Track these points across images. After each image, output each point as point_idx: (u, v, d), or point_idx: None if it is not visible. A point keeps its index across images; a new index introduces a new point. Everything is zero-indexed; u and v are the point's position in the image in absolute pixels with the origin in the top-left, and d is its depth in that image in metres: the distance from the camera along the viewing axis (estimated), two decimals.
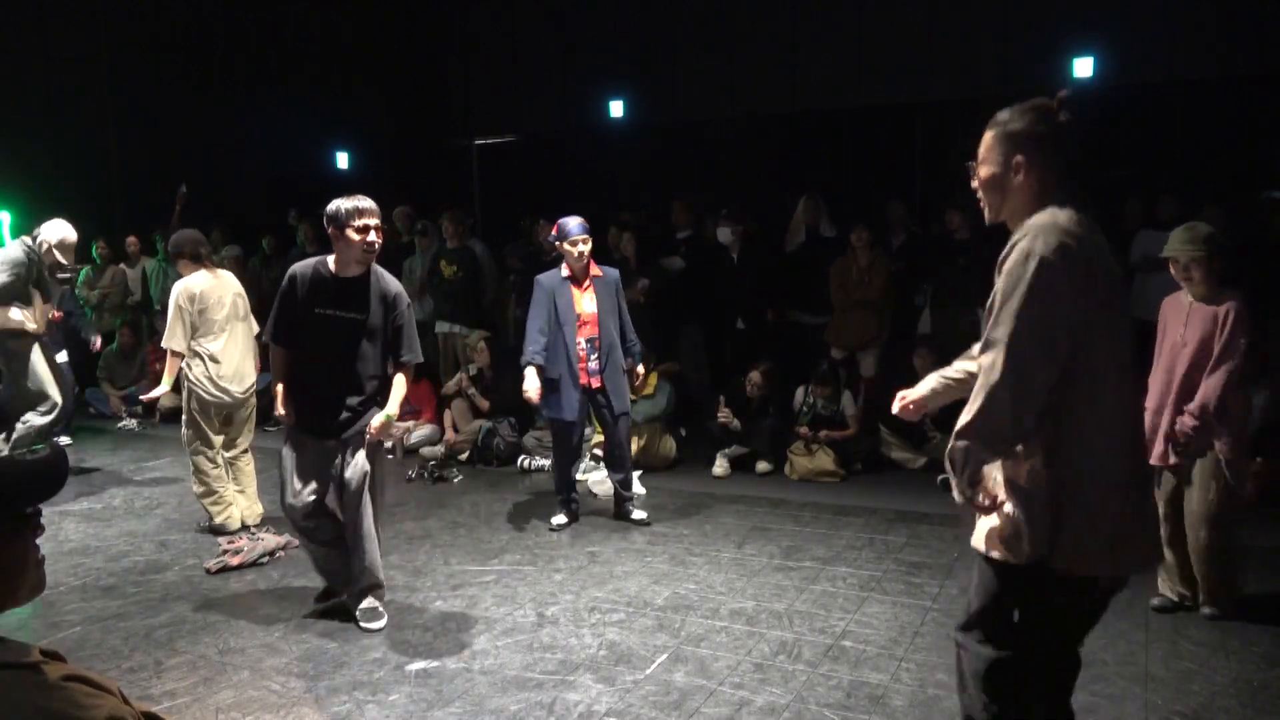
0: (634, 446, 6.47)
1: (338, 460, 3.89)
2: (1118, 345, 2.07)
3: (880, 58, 9.44)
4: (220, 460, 5.23)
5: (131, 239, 9.58)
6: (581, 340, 5.13)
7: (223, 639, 3.81)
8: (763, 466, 6.37)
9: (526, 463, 6.65)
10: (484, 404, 7.07)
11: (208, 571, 4.59)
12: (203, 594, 4.33)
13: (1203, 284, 3.71)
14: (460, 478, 6.43)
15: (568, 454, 5.34)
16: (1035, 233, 2.02)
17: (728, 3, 10.29)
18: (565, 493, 5.36)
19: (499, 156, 11.98)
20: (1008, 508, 2.09)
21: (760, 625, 3.86)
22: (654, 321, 7.08)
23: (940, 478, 6.00)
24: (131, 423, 8.46)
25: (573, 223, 5.11)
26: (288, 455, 3.93)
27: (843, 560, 4.63)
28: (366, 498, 3.90)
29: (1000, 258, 2.09)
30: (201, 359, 5.12)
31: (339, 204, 3.77)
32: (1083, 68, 8.48)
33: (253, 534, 4.99)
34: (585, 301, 5.16)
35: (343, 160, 12.15)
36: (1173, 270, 3.77)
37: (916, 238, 7.61)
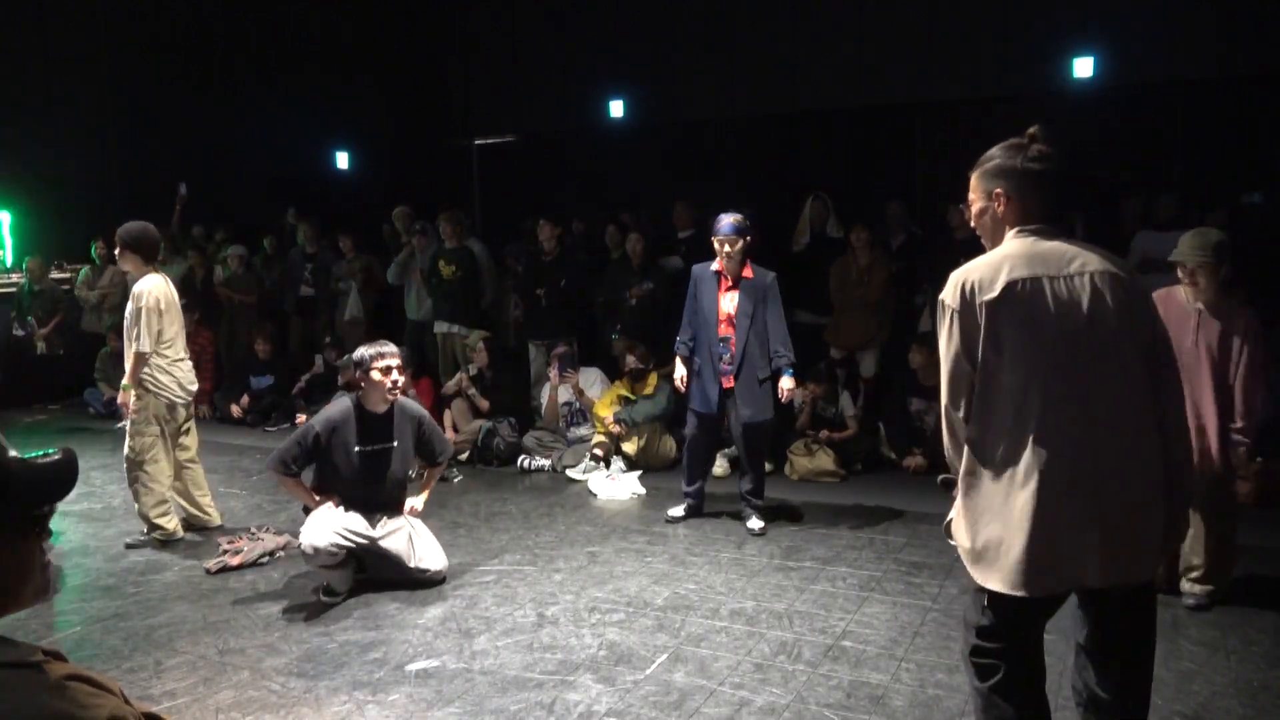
0: (633, 447, 6.48)
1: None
2: (1045, 375, 2.15)
3: (880, 58, 9.44)
4: (170, 468, 5.14)
5: None
6: (717, 338, 5.07)
7: (222, 639, 3.81)
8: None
9: (526, 463, 6.65)
10: (484, 404, 7.07)
11: (207, 572, 4.59)
12: (202, 594, 4.33)
13: (1209, 290, 3.77)
14: (460, 478, 6.43)
15: (697, 446, 5.34)
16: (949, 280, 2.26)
17: (728, 3, 10.29)
18: (690, 483, 5.36)
19: (499, 156, 11.98)
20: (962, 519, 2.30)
21: (760, 625, 3.86)
22: (653, 321, 7.09)
23: (940, 478, 6.01)
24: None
25: (725, 220, 5.02)
26: (325, 509, 4.26)
27: (843, 560, 4.63)
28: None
29: None
30: (170, 362, 5.04)
31: (362, 351, 4.34)
32: (1083, 68, 8.48)
33: (252, 534, 4.99)
34: (726, 301, 5.08)
35: (343, 160, 12.15)
36: (1180, 274, 3.80)
37: (916, 238, 7.61)
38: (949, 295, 2.22)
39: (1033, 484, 2.14)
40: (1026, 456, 2.15)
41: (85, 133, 9.90)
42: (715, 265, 5.10)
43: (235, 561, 4.66)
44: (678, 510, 5.35)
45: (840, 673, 3.41)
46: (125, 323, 5.10)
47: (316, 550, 4.03)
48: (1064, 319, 2.14)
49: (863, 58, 9.56)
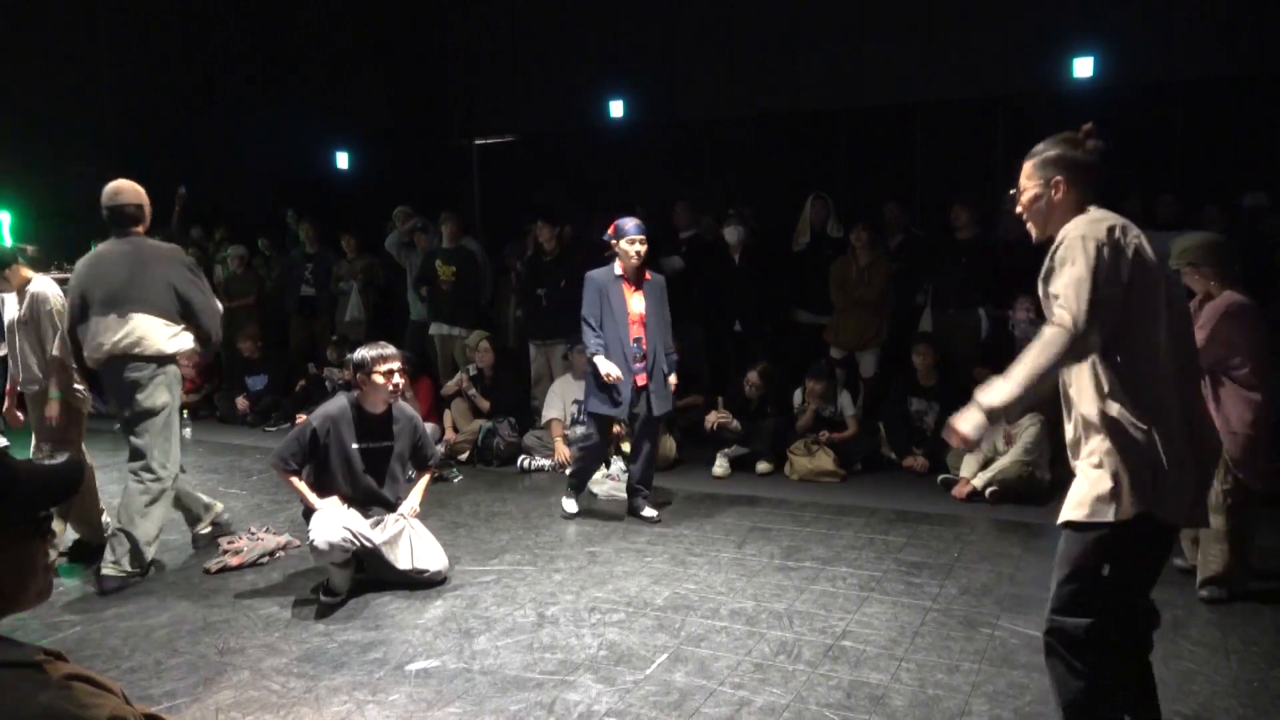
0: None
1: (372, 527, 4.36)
2: (1156, 325, 2.32)
3: (880, 58, 9.43)
4: None
5: None
6: (630, 340, 5.17)
7: (222, 639, 3.81)
8: (763, 467, 6.37)
9: (526, 463, 6.65)
10: (484, 404, 7.07)
11: (207, 572, 4.59)
12: (202, 594, 4.33)
13: (1200, 291, 3.90)
14: (460, 478, 6.43)
15: (602, 450, 5.51)
16: (1083, 226, 2.31)
17: (728, 3, 10.28)
18: (582, 483, 5.55)
19: (499, 156, 11.98)
20: (1106, 469, 2.32)
21: (760, 625, 3.86)
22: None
23: (940, 477, 6.01)
24: None
25: (630, 223, 5.16)
26: (330, 506, 4.25)
27: (843, 560, 4.63)
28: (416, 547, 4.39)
29: (1044, 265, 2.35)
30: (76, 366, 4.75)
31: (363, 353, 4.32)
32: (1083, 67, 8.48)
33: (252, 534, 4.99)
34: (635, 302, 5.20)
35: (342, 160, 12.15)
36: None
37: (915, 238, 7.61)
38: (1097, 232, 2.28)
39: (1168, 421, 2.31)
40: (1158, 395, 2.32)
41: (85, 133, 9.89)
42: (617, 269, 5.20)
43: (235, 562, 4.66)
44: (572, 505, 5.48)
45: (840, 673, 3.41)
46: (18, 330, 4.83)
47: (331, 546, 4.03)
48: (1157, 273, 2.34)
49: (863, 58, 9.55)
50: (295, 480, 4.32)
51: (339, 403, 4.42)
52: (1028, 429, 5.64)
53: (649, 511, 5.35)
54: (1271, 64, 7.86)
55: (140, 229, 4.75)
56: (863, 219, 7.00)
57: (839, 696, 3.23)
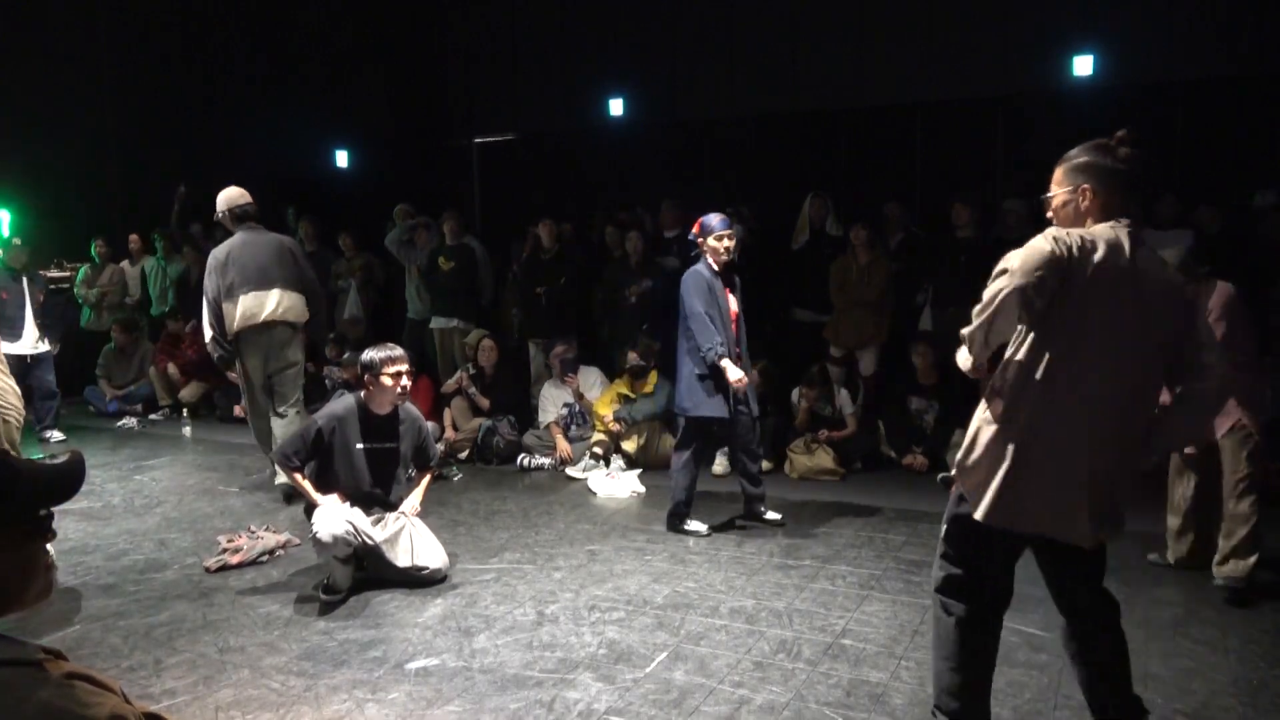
0: (633, 445, 6.48)
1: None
2: (1084, 358, 2.37)
3: (880, 58, 9.43)
4: None
5: (133, 237, 9.59)
6: (733, 339, 4.98)
7: (222, 637, 3.81)
8: (762, 465, 6.36)
9: (526, 461, 6.65)
10: (484, 402, 7.07)
11: (207, 570, 4.59)
12: (202, 592, 4.33)
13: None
14: (460, 476, 6.43)
15: (700, 457, 5.17)
16: (1040, 238, 2.36)
17: (728, 3, 10.28)
18: (689, 496, 5.12)
19: (499, 155, 11.97)
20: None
21: (760, 624, 3.86)
22: (651, 320, 7.09)
23: (940, 476, 6.01)
24: (131, 421, 8.47)
25: (716, 218, 4.97)
26: (332, 503, 4.25)
27: (842, 559, 4.63)
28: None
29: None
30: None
31: (371, 354, 4.34)
32: (1082, 66, 8.48)
33: (252, 532, 4.99)
34: (731, 300, 5.02)
35: (342, 159, 12.15)
36: None
37: (915, 237, 7.61)
38: (1045, 243, 2.31)
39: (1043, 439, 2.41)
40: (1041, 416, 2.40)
41: (85, 131, 9.89)
42: (712, 266, 4.98)
43: (235, 560, 4.66)
44: (699, 525, 5.10)
45: (840, 671, 3.41)
46: None
47: (335, 539, 4.04)
48: (1116, 314, 2.35)
49: (863, 58, 9.55)
50: (299, 477, 4.33)
51: (346, 402, 4.44)
52: None
53: (771, 515, 5.19)
54: (1271, 64, 7.86)
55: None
56: (863, 218, 7.00)
57: (839, 695, 3.23)
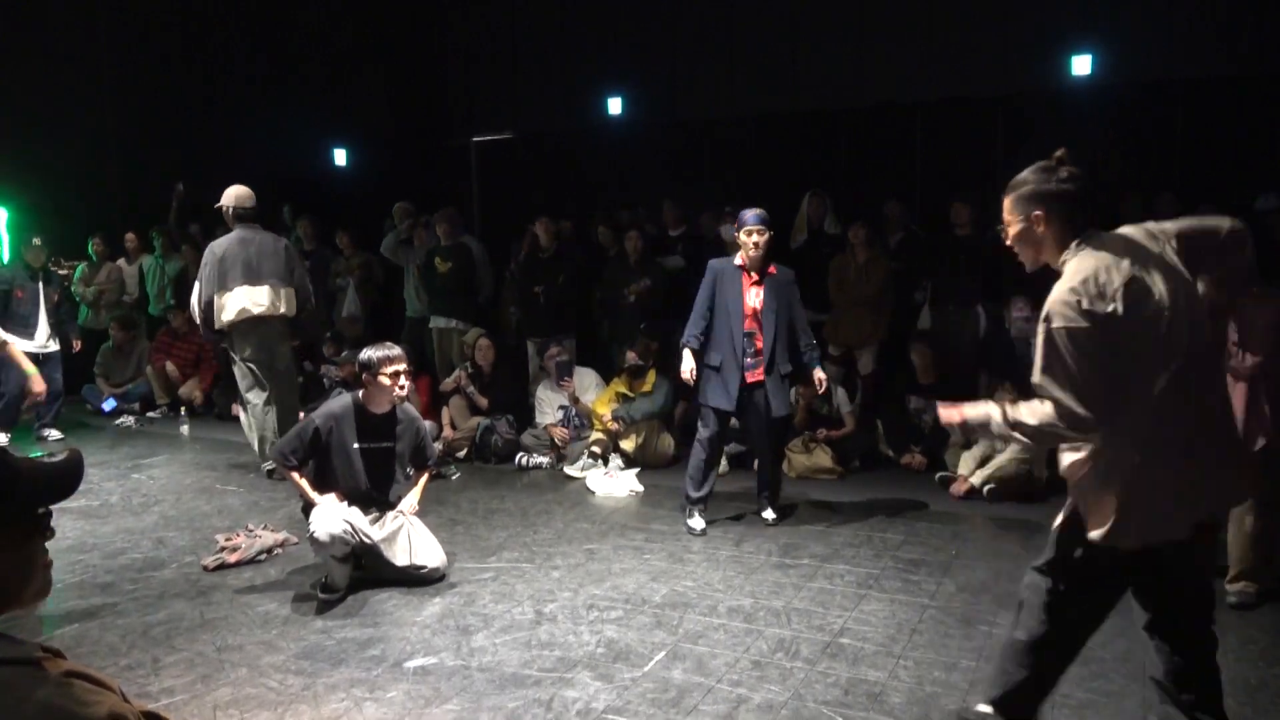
0: (631, 444, 6.48)
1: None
2: (1154, 368, 2.28)
3: (880, 57, 9.43)
4: None
5: (130, 236, 9.58)
6: (743, 333, 4.98)
7: (220, 636, 3.81)
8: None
9: (524, 460, 6.64)
10: (482, 401, 7.07)
11: (205, 569, 4.58)
12: (200, 591, 4.32)
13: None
14: (458, 475, 6.43)
15: (715, 446, 5.13)
16: (1058, 299, 2.29)
17: (728, 3, 10.28)
18: (702, 487, 5.09)
19: (498, 154, 11.97)
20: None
21: (758, 623, 3.85)
22: (652, 320, 7.09)
23: (938, 475, 6.01)
24: (129, 419, 8.46)
25: (750, 213, 4.98)
26: (329, 502, 4.24)
27: (841, 558, 4.63)
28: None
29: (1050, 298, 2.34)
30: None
31: (369, 353, 4.32)
32: (1081, 65, 8.48)
33: (250, 531, 4.99)
34: (752, 295, 4.99)
35: (341, 158, 12.15)
36: None
37: (914, 236, 7.61)
38: (1068, 311, 2.24)
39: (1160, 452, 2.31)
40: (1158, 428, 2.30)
41: (85, 131, 9.88)
42: (738, 260, 5.01)
43: (233, 559, 4.65)
44: (697, 522, 5.08)
45: (838, 670, 3.41)
46: None
47: (332, 538, 4.04)
48: (1160, 310, 2.28)
49: (863, 58, 9.55)
50: (296, 476, 4.33)
51: (343, 401, 4.43)
52: None
53: (767, 514, 5.21)
54: (1272, 64, 7.86)
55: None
56: (863, 218, 7.00)
57: (837, 694, 3.23)
